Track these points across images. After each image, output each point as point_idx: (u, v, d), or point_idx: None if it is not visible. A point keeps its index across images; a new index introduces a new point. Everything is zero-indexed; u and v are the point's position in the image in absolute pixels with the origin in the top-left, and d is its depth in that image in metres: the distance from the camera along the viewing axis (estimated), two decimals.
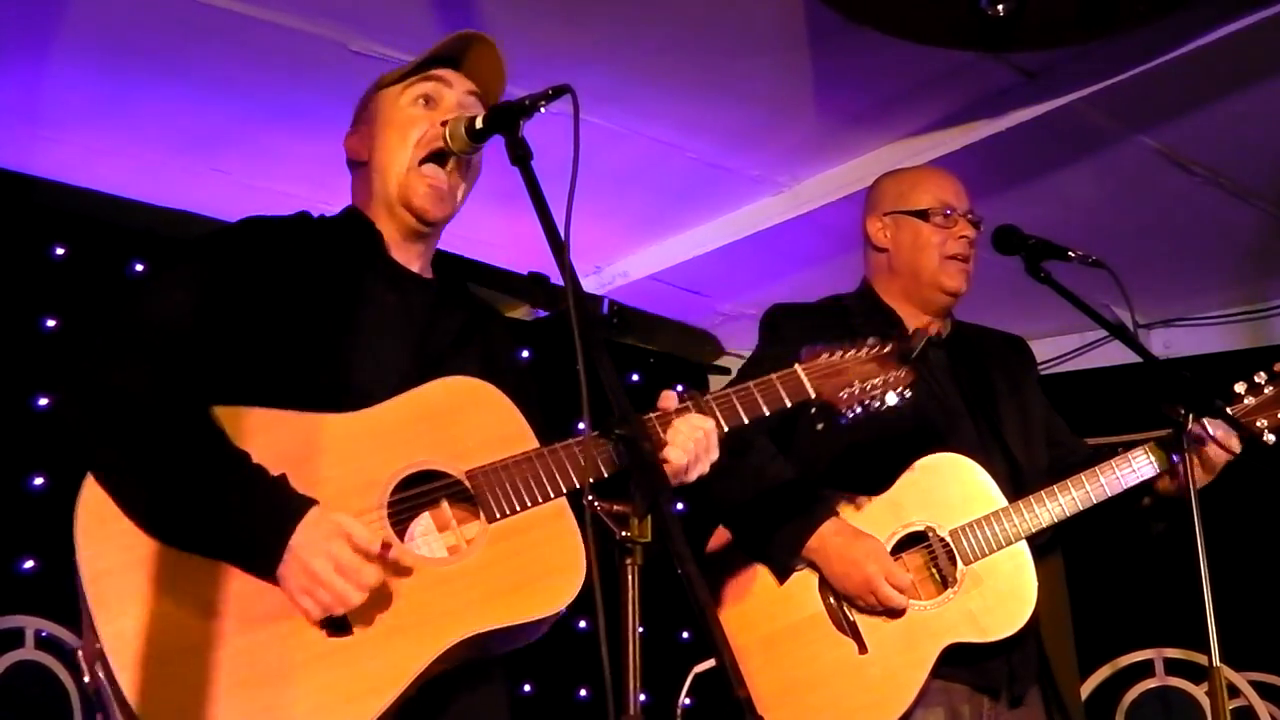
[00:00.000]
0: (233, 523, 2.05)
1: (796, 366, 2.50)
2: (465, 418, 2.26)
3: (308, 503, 2.08)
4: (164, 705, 1.97)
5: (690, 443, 2.27)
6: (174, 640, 2.00)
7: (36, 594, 4.05)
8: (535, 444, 2.26)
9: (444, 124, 2.36)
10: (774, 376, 2.47)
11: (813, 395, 2.49)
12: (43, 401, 4.29)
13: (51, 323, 4.40)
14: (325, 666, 2.05)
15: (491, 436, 2.24)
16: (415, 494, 2.19)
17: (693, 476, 2.29)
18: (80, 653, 2.10)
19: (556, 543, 2.19)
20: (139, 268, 4.63)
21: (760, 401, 2.42)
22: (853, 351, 2.56)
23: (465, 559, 2.16)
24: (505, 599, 2.14)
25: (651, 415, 2.30)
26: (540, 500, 2.20)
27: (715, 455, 2.32)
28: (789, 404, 2.46)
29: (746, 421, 2.39)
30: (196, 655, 2.01)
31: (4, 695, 3.71)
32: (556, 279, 5.34)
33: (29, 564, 4.19)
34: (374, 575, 2.06)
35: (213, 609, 2.04)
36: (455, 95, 2.44)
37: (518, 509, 2.19)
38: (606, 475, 2.20)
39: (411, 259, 2.44)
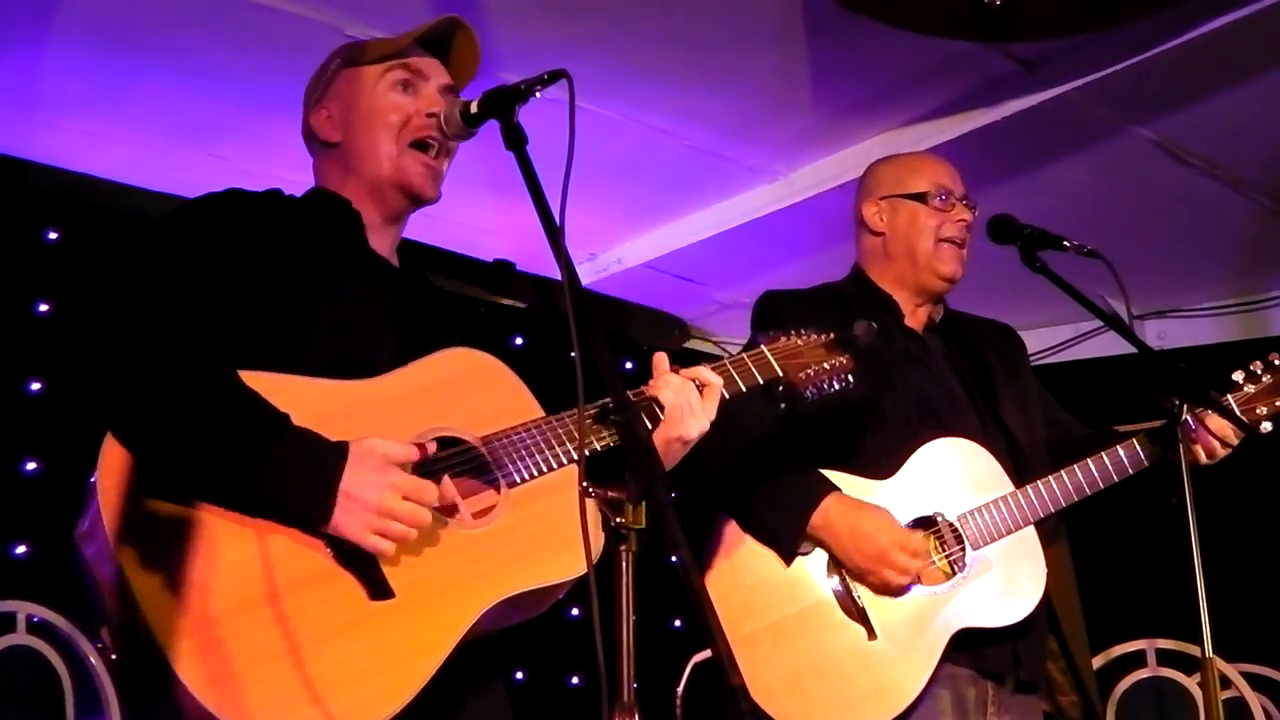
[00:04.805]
0: (277, 477, 2.00)
1: (763, 347, 2.58)
2: (475, 388, 2.27)
3: (344, 446, 2.05)
4: (207, 672, 1.92)
5: (681, 387, 2.35)
6: (215, 606, 1.95)
7: (29, 579, 4.04)
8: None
9: (430, 115, 2.36)
10: (745, 356, 2.55)
11: (780, 374, 2.56)
12: (35, 386, 4.28)
13: (44, 307, 4.38)
14: (371, 630, 2.03)
15: (503, 408, 2.26)
16: (445, 455, 2.17)
17: (692, 431, 2.35)
18: (105, 626, 2.01)
19: (575, 508, 2.17)
20: None
21: (736, 377, 2.49)
22: (806, 337, 2.65)
23: (492, 523, 2.17)
24: (536, 561, 2.17)
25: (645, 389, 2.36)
26: (555, 466, 2.22)
27: (710, 414, 2.38)
28: (761, 381, 2.54)
29: (726, 396, 2.45)
30: (238, 621, 1.96)
31: None
32: (523, 266, 5.34)
33: (21, 549, 4.18)
34: (434, 490, 2.08)
35: (252, 573, 1.99)
36: (431, 87, 2.43)
37: (535, 475, 2.21)
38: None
39: (384, 245, 2.44)
